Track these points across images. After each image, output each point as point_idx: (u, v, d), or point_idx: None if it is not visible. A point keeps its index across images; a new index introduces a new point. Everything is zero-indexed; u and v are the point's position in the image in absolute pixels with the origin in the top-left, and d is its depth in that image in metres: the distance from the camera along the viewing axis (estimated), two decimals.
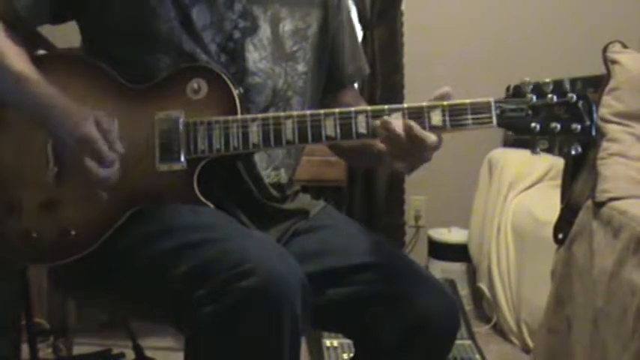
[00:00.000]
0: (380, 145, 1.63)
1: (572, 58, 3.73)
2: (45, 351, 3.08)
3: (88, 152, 1.54)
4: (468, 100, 1.58)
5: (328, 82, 1.92)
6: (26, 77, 1.63)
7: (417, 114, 1.58)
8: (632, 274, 2.12)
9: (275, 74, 1.78)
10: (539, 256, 3.10)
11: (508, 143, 3.85)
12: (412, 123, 1.55)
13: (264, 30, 1.78)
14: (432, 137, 1.55)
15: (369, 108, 1.61)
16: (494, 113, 1.57)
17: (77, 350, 3.09)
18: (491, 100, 1.58)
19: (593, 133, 1.56)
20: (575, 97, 1.55)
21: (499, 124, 1.58)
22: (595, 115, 1.56)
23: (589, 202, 2.45)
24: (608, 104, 2.51)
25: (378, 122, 1.58)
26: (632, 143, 2.48)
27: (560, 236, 2.59)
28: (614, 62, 2.54)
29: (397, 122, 1.56)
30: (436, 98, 1.60)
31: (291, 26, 1.81)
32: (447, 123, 1.58)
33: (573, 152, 1.57)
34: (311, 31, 1.84)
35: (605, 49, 2.56)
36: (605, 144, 2.48)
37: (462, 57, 4.10)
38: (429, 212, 4.22)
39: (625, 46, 2.59)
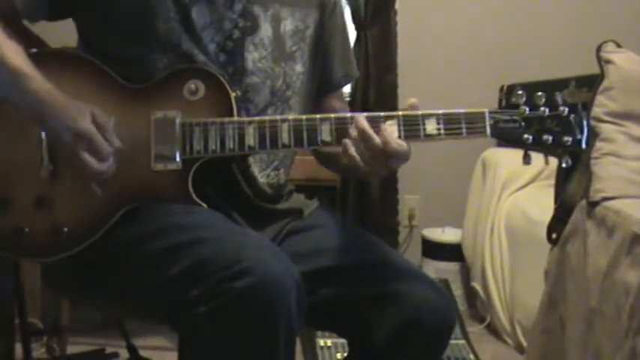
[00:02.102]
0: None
1: (566, 58, 3.73)
2: (38, 351, 3.07)
3: (85, 146, 1.55)
4: (462, 110, 1.60)
5: (318, 85, 1.93)
6: (23, 72, 1.63)
7: (412, 122, 1.59)
8: (626, 273, 2.12)
9: (274, 74, 1.78)
10: (532, 256, 3.10)
11: (502, 143, 3.84)
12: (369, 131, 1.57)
13: (266, 29, 1.78)
14: (403, 146, 1.57)
15: (364, 114, 1.62)
16: (487, 123, 1.59)
17: (71, 350, 3.09)
18: (485, 110, 1.60)
19: (584, 146, 1.58)
20: (566, 110, 1.57)
21: (492, 135, 1.60)
22: (586, 129, 1.57)
23: (583, 202, 2.46)
24: (602, 104, 2.51)
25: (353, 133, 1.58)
26: (625, 143, 2.48)
27: (554, 236, 2.59)
28: (607, 62, 2.54)
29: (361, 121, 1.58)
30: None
31: (291, 26, 1.81)
32: (442, 132, 1.59)
33: (564, 165, 1.60)
34: (309, 32, 1.85)
35: (598, 49, 2.57)
36: (598, 144, 2.48)
37: (456, 57, 4.10)
38: (423, 212, 4.22)
39: (619, 46, 2.59)
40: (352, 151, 1.58)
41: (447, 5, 4.12)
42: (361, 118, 1.59)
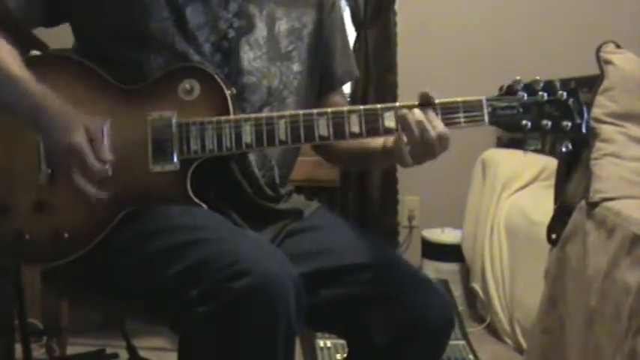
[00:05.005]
0: (388, 141, 1.68)
1: (566, 58, 3.73)
2: (38, 351, 3.07)
3: (76, 164, 1.55)
4: (459, 99, 1.60)
5: (319, 84, 1.92)
6: (18, 76, 1.63)
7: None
8: (626, 274, 2.12)
9: (270, 74, 1.78)
10: (532, 257, 3.10)
11: (502, 144, 3.86)
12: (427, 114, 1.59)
13: (261, 29, 1.78)
14: (444, 128, 1.59)
15: (362, 107, 1.62)
16: (485, 111, 1.59)
17: (71, 350, 3.08)
18: (483, 98, 1.60)
19: (584, 130, 1.58)
20: (565, 94, 1.57)
21: (490, 122, 1.60)
22: (585, 113, 1.57)
23: (582, 203, 2.45)
24: (602, 104, 2.51)
25: (402, 113, 1.60)
26: (625, 143, 2.48)
27: (554, 236, 2.59)
28: (607, 62, 2.54)
29: (417, 112, 1.59)
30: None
31: (287, 26, 1.81)
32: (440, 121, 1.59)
33: (564, 149, 1.60)
34: (306, 31, 1.85)
35: (598, 50, 2.56)
36: (598, 144, 2.48)
37: (455, 57, 4.11)
38: (423, 212, 4.22)
39: (618, 47, 2.59)
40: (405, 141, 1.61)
41: (447, 5, 4.13)
42: (417, 110, 1.60)
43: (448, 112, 1.60)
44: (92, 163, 1.55)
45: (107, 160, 1.57)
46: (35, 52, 1.76)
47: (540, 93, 1.58)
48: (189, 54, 1.71)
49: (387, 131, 1.63)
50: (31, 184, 1.67)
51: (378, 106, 1.62)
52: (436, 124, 1.58)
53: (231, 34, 1.75)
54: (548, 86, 1.58)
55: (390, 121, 1.62)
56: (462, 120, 1.60)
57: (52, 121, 1.59)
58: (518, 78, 1.60)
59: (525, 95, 1.59)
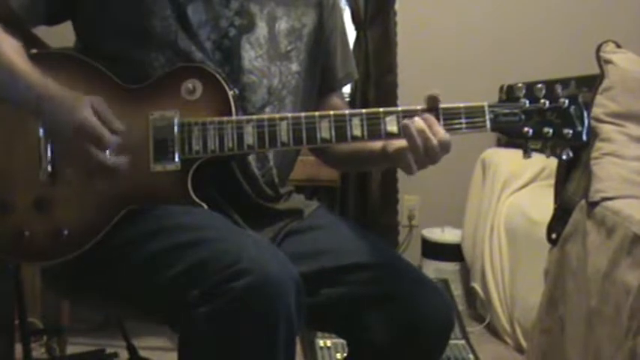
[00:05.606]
0: (389, 145, 1.66)
1: (566, 58, 3.73)
2: (38, 351, 3.07)
3: (88, 138, 1.55)
4: (462, 104, 1.60)
5: (320, 84, 1.92)
6: (21, 70, 1.63)
7: (411, 117, 1.60)
8: (626, 274, 2.12)
9: (271, 73, 1.78)
10: (532, 256, 3.10)
11: (502, 143, 3.86)
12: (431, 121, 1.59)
13: (261, 28, 1.78)
14: (446, 134, 1.59)
15: (363, 111, 1.62)
16: (487, 117, 1.59)
17: (71, 350, 3.09)
18: (485, 104, 1.60)
19: (584, 138, 1.58)
20: (566, 102, 1.57)
21: (492, 129, 1.60)
22: (587, 121, 1.57)
23: (582, 202, 2.46)
24: (602, 104, 2.51)
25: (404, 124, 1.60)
26: (625, 143, 2.48)
27: (554, 236, 2.59)
28: (607, 62, 2.54)
29: (419, 122, 1.59)
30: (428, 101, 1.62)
31: (286, 25, 1.81)
32: (442, 127, 1.59)
33: (564, 157, 1.60)
34: (306, 30, 1.84)
35: (598, 49, 2.57)
36: (598, 144, 2.48)
37: (455, 57, 4.10)
38: (423, 212, 4.22)
39: (618, 46, 2.59)
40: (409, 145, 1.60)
41: (447, 5, 4.13)
42: (418, 119, 1.60)
43: (450, 117, 1.60)
44: (105, 133, 1.56)
45: (118, 129, 1.59)
46: (35, 51, 1.76)
47: (542, 100, 1.58)
48: (192, 52, 1.71)
49: (389, 135, 1.63)
50: (31, 181, 1.67)
51: (381, 109, 1.62)
52: (437, 130, 1.58)
53: (232, 32, 1.75)
54: (550, 92, 1.58)
55: (392, 125, 1.62)
56: (464, 126, 1.60)
57: (56, 107, 1.59)
58: (519, 84, 1.59)
59: (527, 102, 1.58)
